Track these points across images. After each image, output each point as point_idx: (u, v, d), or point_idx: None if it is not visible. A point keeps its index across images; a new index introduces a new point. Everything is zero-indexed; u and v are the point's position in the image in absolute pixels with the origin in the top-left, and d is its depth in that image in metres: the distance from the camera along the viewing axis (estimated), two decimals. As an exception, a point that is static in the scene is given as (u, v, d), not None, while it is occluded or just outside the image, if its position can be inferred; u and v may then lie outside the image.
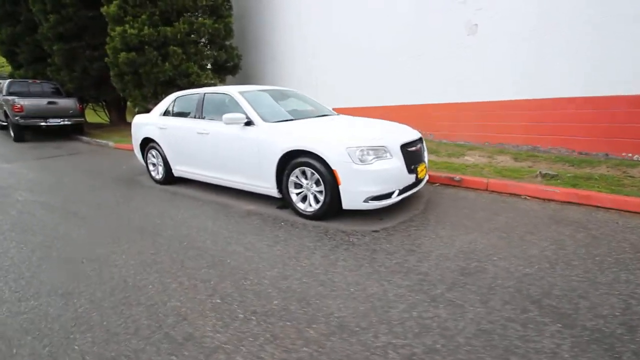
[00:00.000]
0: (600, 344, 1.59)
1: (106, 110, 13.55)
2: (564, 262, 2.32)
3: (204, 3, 9.42)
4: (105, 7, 8.96)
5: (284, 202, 3.65)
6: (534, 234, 2.76)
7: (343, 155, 2.92)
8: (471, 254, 2.46)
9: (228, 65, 10.66)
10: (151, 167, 5.00)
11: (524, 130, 5.45)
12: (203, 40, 9.97)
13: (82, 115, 10.19)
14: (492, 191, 3.94)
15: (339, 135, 3.15)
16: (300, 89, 5.97)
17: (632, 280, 2.08)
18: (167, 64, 9.08)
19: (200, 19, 9.38)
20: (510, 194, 3.81)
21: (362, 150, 2.94)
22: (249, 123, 3.59)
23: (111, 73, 9.69)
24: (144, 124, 4.95)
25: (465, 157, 5.45)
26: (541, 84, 5.10)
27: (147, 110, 11.78)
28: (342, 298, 1.99)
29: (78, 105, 9.92)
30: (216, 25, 9.60)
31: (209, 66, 10.35)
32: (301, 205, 3.31)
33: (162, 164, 4.75)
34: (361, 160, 2.93)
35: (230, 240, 2.87)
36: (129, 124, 13.89)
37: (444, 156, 5.58)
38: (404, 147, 3.18)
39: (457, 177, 4.25)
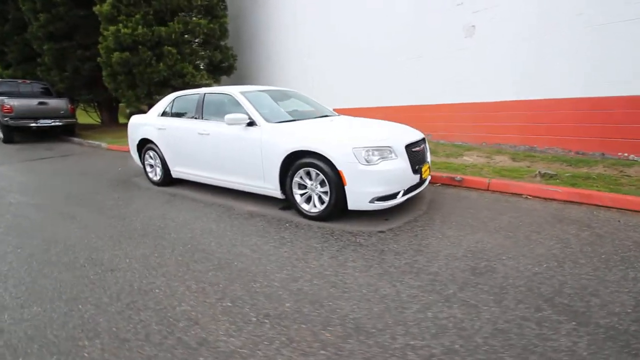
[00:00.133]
0: (616, 341, 1.60)
1: (98, 111, 13.32)
2: (571, 260, 2.34)
3: (199, 3, 9.34)
4: (98, 6, 8.83)
5: (287, 203, 3.63)
6: (539, 233, 2.78)
7: (349, 156, 2.91)
8: (479, 254, 2.47)
9: (223, 66, 10.59)
10: (148, 169, 4.92)
11: (520, 130, 5.51)
12: (197, 40, 9.88)
13: (74, 116, 10.00)
14: (494, 191, 3.97)
15: (344, 136, 3.13)
16: (297, 89, 5.94)
17: (640, 277, 2.11)
18: (161, 64, 8.96)
19: (195, 19, 9.31)
20: (512, 194, 3.84)
21: (367, 151, 2.93)
22: (251, 123, 3.56)
23: (104, 73, 9.53)
24: (141, 125, 4.86)
25: (464, 158, 5.49)
26: (538, 85, 5.17)
27: (141, 111, 11.64)
28: (355, 299, 1.97)
29: (69, 105, 9.73)
30: (211, 25, 9.53)
31: (202, 66, 10.26)
32: (305, 206, 3.29)
33: (160, 165, 4.68)
34: (367, 161, 2.92)
35: (235, 242, 2.83)
36: (121, 125, 13.73)
37: (442, 156, 5.62)
38: (409, 148, 3.18)
39: (458, 177, 4.28)
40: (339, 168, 2.94)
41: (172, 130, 4.36)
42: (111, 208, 3.90)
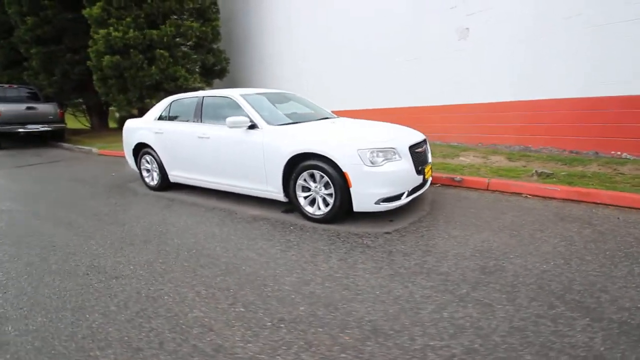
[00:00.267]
0: (630, 336, 1.62)
1: (87, 116, 13.08)
2: (577, 257, 2.37)
3: (191, 6, 9.29)
4: (87, 9, 8.69)
5: (290, 206, 3.60)
6: (542, 232, 2.82)
7: (354, 158, 2.90)
8: (487, 253, 2.49)
9: (215, 69, 10.53)
10: (145, 173, 4.84)
11: (515, 131, 5.61)
12: (189, 43, 9.80)
13: (63, 120, 9.80)
14: (494, 191, 4.02)
15: (348, 138, 3.13)
16: (291, 91, 5.94)
17: (645, 273, 2.15)
18: (153, 67, 8.87)
19: (187, 22, 9.23)
20: (511, 193, 3.89)
21: (372, 152, 2.94)
22: (252, 126, 3.53)
23: (94, 77, 9.39)
24: (137, 129, 4.78)
25: (460, 158, 5.55)
26: (533, 86, 5.27)
27: (131, 115, 11.48)
28: (369, 301, 1.96)
29: (58, 110, 9.52)
30: (203, 28, 9.49)
31: (196, 69, 10.18)
32: (309, 209, 3.27)
33: (157, 170, 4.61)
34: (372, 162, 2.92)
35: (241, 247, 2.80)
36: (112, 130, 13.53)
37: (439, 157, 5.66)
38: (412, 149, 3.19)
39: (458, 177, 4.32)
40: (344, 170, 2.94)
41: (170, 134, 4.30)
42: (109, 214, 3.82)
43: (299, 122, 3.69)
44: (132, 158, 4.96)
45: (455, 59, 6.03)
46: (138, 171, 4.97)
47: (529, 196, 3.77)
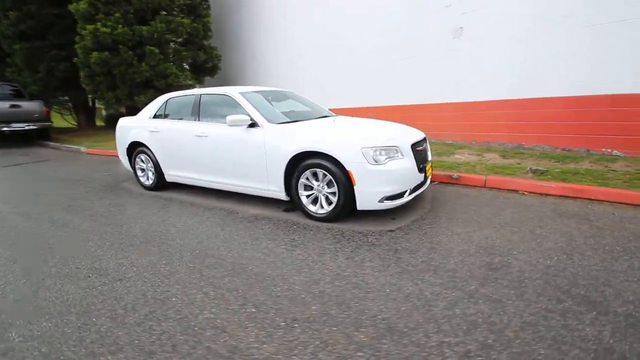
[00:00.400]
0: (637, 328, 1.67)
1: (74, 114, 12.74)
2: (578, 253, 2.43)
3: (181, 2, 9.15)
4: (74, 4, 8.44)
5: (291, 204, 3.59)
6: (542, 228, 2.88)
7: (358, 156, 2.91)
8: (491, 249, 2.52)
9: (207, 66, 10.39)
10: (140, 173, 4.75)
11: (508, 128, 5.70)
12: (180, 40, 9.64)
13: (49, 119, 9.53)
14: (491, 188, 4.08)
15: (351, 136, 3.13)
16: (288, 89, 5.91)
17: (644, 267, 2.22)
18: (143, 64, 8.70)
19: (177, 18, 9.07)
20: (508, 190, 3.96)
21: (376, 151, 2.94)
22: (252, 125, 3.49)
23: (81, 74, 9.14)
24: (131, 128, 4.69)
25: (456, 156, 5.61)
26: (526, 85, 5.36)
27: (121, 113, 11.23)
28: (380, 299, 1.97)
29: (44, 108, 9.24)
30: (195, 24, 9.34)
31: (185, 66, 10.01)
32: (312, 208, 3.26)
33: (152, 169, 4.52)
34: (375, 161, 2.92)
35: (245, 247, 2.77)
36: (99, 128, 13.22)
37: (434, 155, 5.71)
38: (414, 147, 3.22)
39: (455, 174, 4.37)
40: (348, 168, 2.94)
41: (167, 133, 4.22)
42: (105, 215, 3.73)
43: (300, 121, 3.67)
44: (126, 157, 4.86)
45: (449, 57, 6.09)
46: (132, 171, 4.87)
47: (525, 193, 3.85)
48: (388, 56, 6.85)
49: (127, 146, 4.73)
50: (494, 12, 5.51)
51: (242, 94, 3.79)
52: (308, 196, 3.28)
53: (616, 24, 4.49)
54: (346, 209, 3.08)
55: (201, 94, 4.09)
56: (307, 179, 3.23)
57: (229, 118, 3.41)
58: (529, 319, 1.75)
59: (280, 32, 8.94)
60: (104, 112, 15.80)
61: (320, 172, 3.13)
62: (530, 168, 4.42)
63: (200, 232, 3.12)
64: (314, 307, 1.93)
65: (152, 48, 8.57)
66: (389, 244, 2.70)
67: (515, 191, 3.92)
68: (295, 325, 1.79)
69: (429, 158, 3.63)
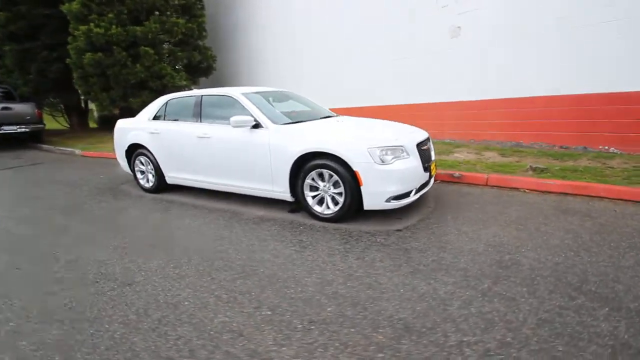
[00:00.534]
0: (650, 324, 1.70)
1: (65, 116, 12.54)
2: (585, 249, 2.46)
3: (176, 2, 9.05)
4: (66, 4, 8.30)
5: (296, 205, 3.58)
6: (547, 225, 2.91)
7: (365, 156, 2.91)
8: (499, 247, 2.55)
9: (202, 66, 10.31)
10: (139, 175, 4.69)
11: (506, 127, 5.76)
12: (173, 40, 9.54)
13: (42, 121, 9.35)
14: (493, 186, 4.12)
15: (357, 136, 3.13)
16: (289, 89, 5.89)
17: (650, 262, 2.26)
18: (138, 65, 8.60)
19: (172, 18, 8.98)
20: (510, 188, 4.00)
21: (382, 150, 2.95)
22: (256, 125, 3.47)
23: (74, 75, 9.01)
24: (130, 129, 4.62)
25: (455, 155, 5.65)
26: (524, 84, 5.42)
27: (114, 115, 11.06)
28: (395, 299, 1.97)
29: (36, 110, 9.06)
30: (189, 24, 9.26)
31: (179, 67, 9.92)
32: (318, 208, 3.25)
33: (152, 171, 4.47)
34: (382, 161, 2.93)
35: (253, 248, 2.75)
36: (92, 130, 13.03)
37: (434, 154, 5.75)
38: (419, 146, 3.23)
39: (457, 173, 4.40)
40: (354, 169, 2.94)
41: (167, 134, 4.18)
42: (106, 218, 3.68)
43: (304, 121, 3.66)
44: (125, 160, 4.79)
45: (447, 57, 6.13)
46: (132, 173, 4.81)
47: (527, 191, 3.89)
48: (386, 56, 6.87)
49: (126, 148, 4.66)
50: (490, 12, 5.56)
51: (245, 94, 3.76)
52: (314, 197, 3.27)
53: (616, 23, 4.55)
54: (352, 209, 3.08)
55: (202, 95, 4.06)
56: (313, 179, 3.22)
57: (233, 119, 3.39)
58: (544, 316, 1.77)
59: (278, 32, 8.90)
60: (95, 114, 15.59)
61: (326, 172, 3.12)
62: (530, 166, 4.47)
63: (205, 234, 3.09)
64: (329, 309, 1.92)
65: (146, 48, 8.48)
66: (398, 243, 2.70)
67: (517, 189, 3.96)
68: (313, 327, 1.78)
69: (433, 157, 3.65)
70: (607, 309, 1.81)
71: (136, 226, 3.38)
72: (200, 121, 3.97)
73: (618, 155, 4.67)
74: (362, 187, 2.96)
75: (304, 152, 3.15)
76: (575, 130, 5.07)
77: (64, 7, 8.35)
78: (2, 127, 8.41)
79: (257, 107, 3.58)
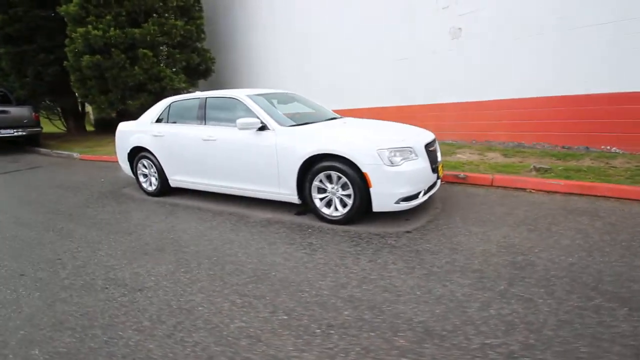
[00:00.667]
0: (670, 324, 1.70)
1: (62, 119, 12.41)
2: (597, 249, 2.46)
3: (174, 4, 8.99)
4: (64, 6, 8.22)
5: (302, 208, 3.56)
6: (557, 225, 2.92)
7: (374, 158, 2.89)
8: (512, 248, 2.54)
9: (201, 69, 10.25)
10: (142, 179, 4.64)
11: (508, 127, 5.78)
12: (173, 42, 9.48)
13: (39, 124, 9.24)
14: (498, 186, 4.12)
15: (366, 138, 3.11)
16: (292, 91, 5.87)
17: (662, 261, 2.26)
18: (136, 67, 8.52)
19: (171, 20, 8.92)
20: (515, 188, 4.01)
21: (391, 152, 2.94)
22: (262, 127, 3.45)
23: (72, 78, 8.92)
24: (132, 132, 4.58)
25: (458, 155, 5.66)
26: (524, 85, 5.44)
27: (112, 118, 10.95)
28: (412, 302, 1.96)
29: (33, 113, 8.96)
30: (188, 26, 9.21)
31: (175, 69, 9.85)
32: (326, 211, 3.23)
33: (155, 175, 4.43)
34: (391, 162, 2.92)
35: (263, 252, 2.72)
36: (89, 133, 12.92)
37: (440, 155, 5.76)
38: (427, 147, 3.22)
39: (462, 174, 4.40)
40: (364, 170, 2.92)
41: (171, 137, 4.14)
42: (110, 222, 3.63)
43: (310, 123, 3.64)
44: (127, 163, 4.74)
45: (448, 58, 6.15)
46: (134, 176, 4.76)
47: (533, 191, 3.89)
48: (387, 57, 6.88)
49: (128, 151, 4.62)
50: (491, 13, 5.58)
51: (250, 96, 3.74)
52: (322, 199, 3.25)
53: (616, 24, 4.59)
54: (361, 211, 3.06)
55: (207, 97, 4.02)
56: (321, 181, 3.20)
57: (240, 121, 3.36)
58: (564, 317, 1.76)
59: (277, 32, 8.88)
60: (92, 117, 15.45)
61: (334, 174, 3.10)
62: (534, 166, 4.48)
63: (213, 238, 3.06)
64: (346, 312, 1.90)
65: (145, 51, 8.41)
66: (409, 245, 2.69)
67: (523, 189, 3.97)
68: (332, 331, 1.75)
69: (439, 158, 3.64)
70: (626, 309, 1.81)
71: (142, 230, 3.34)
72: (205, 124, 3.94)
73: (620, 154, 4.70)
74: (371, 189, 2.95)
75: (312, 154, 3.13)
76: (577, 130, 5.10)
77: (62, 9, 8.28)
78: (-1, 131, 8.32)
79: (263, 109, 3.56)
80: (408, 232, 2.94)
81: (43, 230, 3.51)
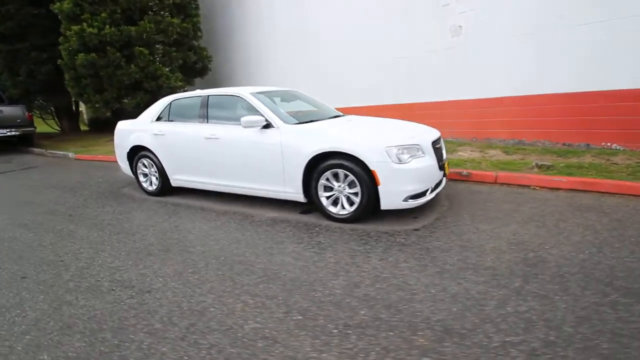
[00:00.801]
0: (687, 319, 1.70)
1: (56, 118, 12.21)
2: (607, 245, 2.47)
3: (171, 1, 8.88)
4: (57, 4, 8.07)
5: (308, 206, 3.52)
6: (565, 222, 2.92)
7: (382, 156, 2.87)
8: (522, 245, 2.53)
9: (197, 67, 10.15)
10: (142, 178, 4.57)
11: (509, 125, 5.80)
12: (170, 40, 9.36)
13: (32, 124, 9.07)
14: (502, 183, 4.13)
15: (373, 136, 3.09)
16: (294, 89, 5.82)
17: (672, 257, 2.27)
18: (132, 65, 8.41)
19: (167, 17, 8.81)
20: (519, 185, 4.01)
21: (399, 150, 2.91)
22: (267, 125, 3.41)
23: (66, 76, 8.77)
24: (132, 131, 4.50)
25: (459, 153, 5.66)
26: (525, 83, 5.46)
27: (106, 117, 10.78)
28: (428, 301, 1.93)
29: (27, 113, 8.79)
30: (184, 24, 9.10)
31: (171, 68, 9.73)
32: (333, 209, 3.20)
33: (156, 174, 4.36)
34: (399, 160, 2.89)
35: (271, 251, 2.69)
36: (83, 132, 12.72)
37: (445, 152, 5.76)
38: (433, 145, 3.21)
39: (465, 171, 4.40)
40: (372, 168, 2.89)
41: (172, 136, 4.07)
42: (112, 223, 3.56)
43: (315, 121, 3.60)
44: (127, 162, 4.66)
45: (448, 55, 6.14)
46: (133, 176, 4.68)
47: (537, 188, 3.90)
48: (389, 54, 6.85)
49: (127, 150, 4.54)
50: (491, 10, 5.59)
51: (253, 94, 3.69)
52: (328, 197, 3.22)
53: (613, 22, 4.62)
54: (369, 209, 3.04)
55: (209, 95, 3.97)
56: (328, 179, 3.17)
57: (244, 119, 3.31)
58: (581, 314, 1.75)
59: (276, 31, 8.81)
60: (85, 117, 15.24)
61: (341, 172, 3.07)
62: (536, 163, 4.49)
63: (219, 237, 3.01)
64: (362, 312, 1.88)
65: (141, 49, 8.30)
66: (419, 243, 2.67)
67: (526, 186, 3.97)
68: (349, 331, 1.73)
69: (445, 155, 3.63)
70: (642, 304, 1.81)
71: (145, 230, 3.28)
72: (207, 122, 3.88)
73: (621, 151, 4.74)
74: (379, 187, 2.92)
75: (318, 152, 3.09)
76: (577, 127, 5.12)
77: (55, 7, 8.12)
78: (-8, 131, 8.15)
79: (268, 107, 3.52)
80: (417, 229, 2.93)
81: (42, 231, 3.44)
